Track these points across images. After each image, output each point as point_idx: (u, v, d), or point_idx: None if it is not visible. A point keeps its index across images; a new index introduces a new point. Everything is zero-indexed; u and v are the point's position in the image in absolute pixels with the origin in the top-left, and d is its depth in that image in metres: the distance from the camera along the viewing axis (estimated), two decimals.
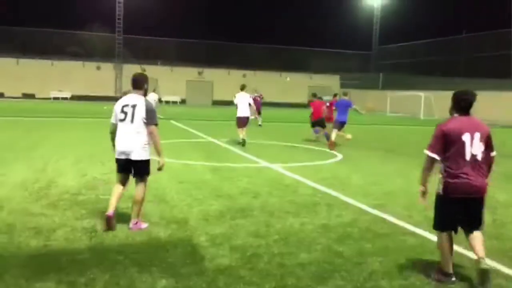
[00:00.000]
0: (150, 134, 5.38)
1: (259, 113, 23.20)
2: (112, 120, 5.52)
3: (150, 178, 5.72)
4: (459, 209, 4.27)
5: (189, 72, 55.09)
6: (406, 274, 4.41)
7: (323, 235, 5.48)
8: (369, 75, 59.21)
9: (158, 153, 5.50)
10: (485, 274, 4.11)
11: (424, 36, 52.65)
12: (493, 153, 4.37)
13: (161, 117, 27.14)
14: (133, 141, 5.34)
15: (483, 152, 4.23)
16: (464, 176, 4.19)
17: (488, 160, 4.31)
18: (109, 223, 5.26)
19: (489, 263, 4.40)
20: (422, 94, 42.88)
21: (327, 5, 65.02)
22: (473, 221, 4.33)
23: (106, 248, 4.79)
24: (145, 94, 5.53)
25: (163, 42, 56.27)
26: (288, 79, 57.86)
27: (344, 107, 14.97)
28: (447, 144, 4.24)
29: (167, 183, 8.03)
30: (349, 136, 15.10)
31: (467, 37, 48.47)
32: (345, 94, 17.48)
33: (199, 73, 56.03)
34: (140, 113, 5.31)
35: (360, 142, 15.98)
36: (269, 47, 57.81)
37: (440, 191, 4.31)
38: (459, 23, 55.14)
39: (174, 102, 51.94)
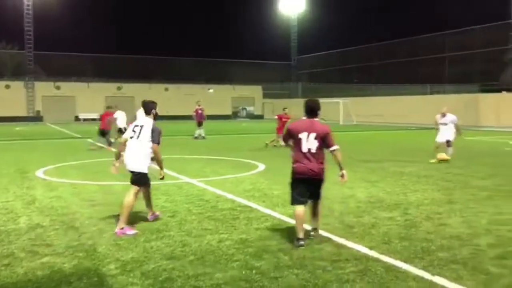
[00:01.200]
0: (153, 151, 6.32)
1: (200, 125, 23.04)
2: (125, 136, 6.61)
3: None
4: (303, 187, 5.68)
5: (108, 88, 53.27)
6: (321, 285, 4.38)
7: (240, 251, 5.36)
8: (290, 85, 60.71)
9: (159, 167, 6.51)
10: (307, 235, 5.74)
11: (339, 45, 54.98)
12: (333, 147, 5.68)
13: (78, 135, 26.08)
14: (135, 156, 6.32)
15: (317, 147, 5.60)
16: (302, 163, 5.62)
17: (322, 153, 5.66)
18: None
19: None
20: (340, 100, 44.57)
21: (248, 17, 66.02)
22: (314, 195, 5.82)
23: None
24: (155, 118, 6.57)
25: (78, 58, 54.09)
26: (211, 91, 57.78)
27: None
28: (292, 139, 5.75)
29: (78, 207, 7.55)
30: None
31: (378, 45, 51.18)
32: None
33: (118, 88, 54.36)
34: (146, 132, 6.28)
35: (282, 151, 16.15)
36: (193, 60, 57.54)
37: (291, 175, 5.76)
38: (370, 33, 58.30)
39: (93, 119, 49.93)
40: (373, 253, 5.23)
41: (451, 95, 38.89)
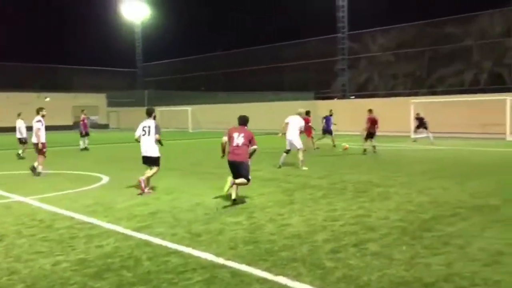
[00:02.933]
0: (158, 139, 9.84)
1: (86, 134, 22.40)
2: (136, 134, 9.94)
3: None
4: (233, 168, 8.53)
5: None
6: None
7: (79, 272, 4.94)
8: (136, 93, 59.09)
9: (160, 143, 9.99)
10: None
11: (188, 52, 55.20)
12: (254, 147, 8.67)
13: None
14: (149, 146, 9.77)
15: (243, 143, 8.48)
16: (233, 152, 8.50)
17: (248, 148, 8.58)
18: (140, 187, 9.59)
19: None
20: (189, 108, 44.80)
21: (90, 21, 62.41)
22: (240, 174, 8.41)
23: None
24: (154, 118, 10.07)
25: None
26: (47, 99, 53.30)
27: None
28: (228, 137, 8.66)
29: None
30: None
31: (223, 54, 52.68)
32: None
33: None
34: (153, 129, 9.75)
35: (128, 161, 15.57)
36: (24, 66, 52.38)
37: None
38: (216, 41, 59.75)
39: None
40: (220, 260, 5.26)
41: (291, 102, 41.75)
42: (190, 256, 5.46)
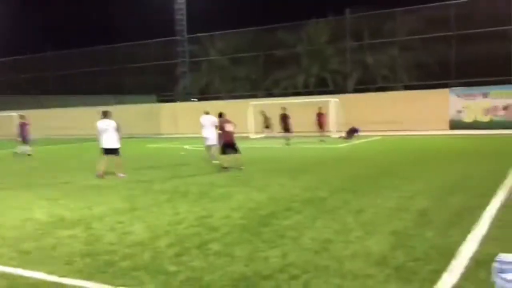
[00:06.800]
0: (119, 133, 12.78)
1: (25, 141, 20.67)
2: (98, 131, 12.67)
3: None
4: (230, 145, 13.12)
5: None
6: None
7: None
8: None
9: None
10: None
11: (11, 53, 49.89)
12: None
13: None
14: (112, 140, 12.61)
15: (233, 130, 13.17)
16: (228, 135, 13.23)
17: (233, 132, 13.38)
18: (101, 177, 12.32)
19: None
20: (15, 114, 40.58)
21: None
22: (235, 148, 13.20)
23: None
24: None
25: None
26: None
27: None
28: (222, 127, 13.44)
29: None
30: None
31: (53, 55, 48.78)
32: None
33: None
34: (113, 127, 12.65)
35: None
36: None
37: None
38: (44, 40, 55.17)
39: None
40: (53, 278, 4.88)
41: (133, 106, 40.66)
42: (19, 277, 4.97)
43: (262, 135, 27.99)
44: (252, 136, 29.15)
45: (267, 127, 26.96)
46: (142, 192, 10.14)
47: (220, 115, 14.16)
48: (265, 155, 18.26)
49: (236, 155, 13.49)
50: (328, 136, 25.93)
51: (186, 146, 20.46)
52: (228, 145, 13.43)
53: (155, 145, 26.31)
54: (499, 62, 29.22)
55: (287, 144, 22.29)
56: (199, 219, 7.29)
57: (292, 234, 6.27)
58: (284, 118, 23.06)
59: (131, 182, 11.59)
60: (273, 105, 29.47)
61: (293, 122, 23.61)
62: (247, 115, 29.36)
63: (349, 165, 14.26)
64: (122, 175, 12.56)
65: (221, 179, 11.64)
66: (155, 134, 37.04)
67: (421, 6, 31.91)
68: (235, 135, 13.77)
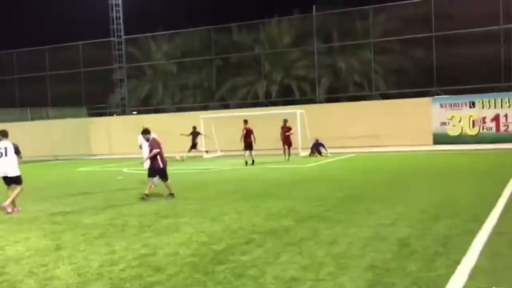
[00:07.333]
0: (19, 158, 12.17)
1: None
2: None
3: None
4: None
5: None
6: None
7: None
8: None
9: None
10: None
11: None
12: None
13: None
14: (9, 166, 11.97)
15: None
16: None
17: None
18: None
19: None
20: None
21: None
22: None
23: None
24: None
25: None
26: None
27: None
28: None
29: None
30: None
31: None
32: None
33: None
34: (11, 150, 11.93)
35: None
36: None
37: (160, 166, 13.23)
38: None
39: None
40: None
41: (57, 121, 39.82)
42: None
43: (216, 154, 27.97)
44: (205, 156, 29.11)
45: (193, 146, 27.74)
46: (69, 226, 9.91)
47: (147, 132, 13.45)
48: (219, 177, 18.22)
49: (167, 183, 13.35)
50: (296, 155, 26.22)
51: (124, 169, 20.15)
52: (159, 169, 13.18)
53: (86, 168, 25.82)
54: (487, 66, 30.36)
55: (250, 164, 22.42)
56: (140, 258, 7.17)
57: (252, 273, 6.25)
58: (248, 133, 23.32)
59: (56, 215, 11.30)
60: (228, 118, 29.56)
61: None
62: (201, 129, 29.16)
63: (319, 187, 14.43)
64: (13, 209, 11.81)
65: (167, 208, 11.52)
66: (85, 155, 36.40)
67: (397, 3, 32.97)
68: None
